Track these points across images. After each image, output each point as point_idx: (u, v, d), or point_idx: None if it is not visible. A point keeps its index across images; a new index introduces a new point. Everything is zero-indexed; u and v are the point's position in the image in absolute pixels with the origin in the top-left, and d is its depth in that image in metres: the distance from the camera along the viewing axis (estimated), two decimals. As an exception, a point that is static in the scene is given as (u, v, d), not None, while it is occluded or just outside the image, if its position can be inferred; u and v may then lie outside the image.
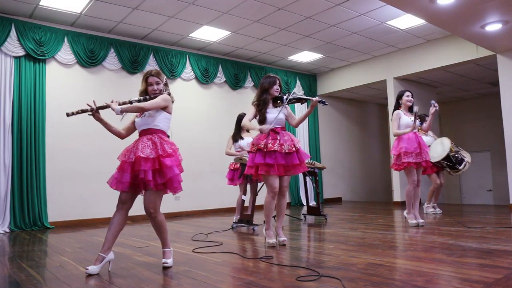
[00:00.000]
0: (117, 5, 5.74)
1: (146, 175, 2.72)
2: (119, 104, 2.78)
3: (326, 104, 3.78)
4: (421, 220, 4.75)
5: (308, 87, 9.60)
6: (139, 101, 2.88)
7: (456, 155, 5.84)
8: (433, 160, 5.70)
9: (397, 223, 5.27)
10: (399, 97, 4.89)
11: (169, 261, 2.94)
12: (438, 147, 5.93)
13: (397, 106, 4.88)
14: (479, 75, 9.03)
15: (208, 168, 7.68)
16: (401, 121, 4.75)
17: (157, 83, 2.95)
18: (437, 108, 4.82)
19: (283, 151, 3.57)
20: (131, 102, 2.86)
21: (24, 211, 5.73)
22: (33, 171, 5.83)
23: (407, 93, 4.85)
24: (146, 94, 2.97)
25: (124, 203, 2.88)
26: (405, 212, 4.96)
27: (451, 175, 6.08)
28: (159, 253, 3.14)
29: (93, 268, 2.77)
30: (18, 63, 5.90)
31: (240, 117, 5.40)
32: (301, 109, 9.10)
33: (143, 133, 2.91)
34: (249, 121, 3.71)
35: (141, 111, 2.86)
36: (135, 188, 2.86)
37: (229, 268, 2.94)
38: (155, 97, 2.91)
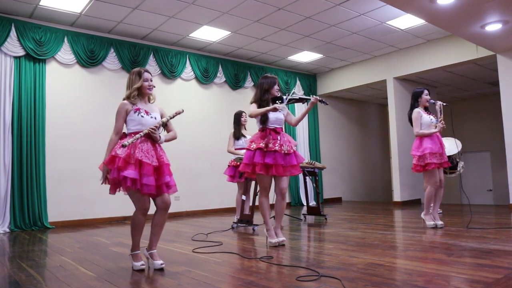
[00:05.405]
0: (117, 5, 5.74)
1: (172, 180, 2.94)
2: (161, 124, 2.96)
3: (327, 104, 3.78)
4: (440, 222, 4.53)
5: (308, 87, 9.60)
6: (167, 121, 2.98)
7: (457, 159, 5.84)
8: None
9: (397, 223, 5.27)
10: (418, 95, 4.63)
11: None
12: (452, 144, 5.80)
13: (415, 105, 4.65)
14: (479, 75, 9.03)
15: (208, 168, 7.68)
16: (422, 119, 4.51)
17: (151, 80, 3.02)
18: (440, 103, 4.57)
19: (283, 151, 3.59)
20: (165, 124, 2.99)
21: (24, 211, 5.73)
22: (33, 171, 5.82)
23: (426, 91, 4.62)
24: (141, 90, 2.98)
25: (148, 207, 2.90)
26: (422, 214, 4.73)
27: (445, 175, 6.02)
28: (160, 253, 3.14)
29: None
30: (18, 63, 5.90)
31: (238, 115, 5.39)
32: (300, 109, 9.10)
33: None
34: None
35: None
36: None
37: (229, 268, 2.94)
38: (151, 93, 3.04)
